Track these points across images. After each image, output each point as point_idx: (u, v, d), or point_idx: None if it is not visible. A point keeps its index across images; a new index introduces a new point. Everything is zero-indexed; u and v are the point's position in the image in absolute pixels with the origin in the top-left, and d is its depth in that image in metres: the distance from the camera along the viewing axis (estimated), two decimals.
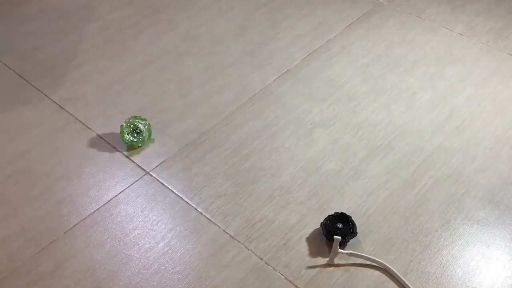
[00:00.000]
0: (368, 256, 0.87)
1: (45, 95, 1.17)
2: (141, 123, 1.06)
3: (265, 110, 1.15)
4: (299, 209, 0.96)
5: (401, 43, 1.34)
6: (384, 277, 0.86)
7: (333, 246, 0.85)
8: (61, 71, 1.23)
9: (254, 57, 1.28)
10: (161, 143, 1.08)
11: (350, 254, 0.88)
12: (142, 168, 1.03)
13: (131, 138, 1.05)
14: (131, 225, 0.93)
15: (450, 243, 0.91)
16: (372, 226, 0.93)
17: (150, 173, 1.02)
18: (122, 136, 1.05)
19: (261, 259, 0.88)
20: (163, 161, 1.04)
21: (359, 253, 0.88)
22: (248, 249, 0.90)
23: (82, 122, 1.12)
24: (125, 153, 1.06)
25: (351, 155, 1.05)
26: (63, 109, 1.14)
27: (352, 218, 0.92)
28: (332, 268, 0.87)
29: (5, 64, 1.25)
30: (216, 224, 0.93)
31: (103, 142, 1.08)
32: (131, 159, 1.04)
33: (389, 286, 0.85)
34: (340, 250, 0.87)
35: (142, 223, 0.93)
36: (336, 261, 0.88)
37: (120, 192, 0.98)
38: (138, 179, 1.01)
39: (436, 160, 1.05)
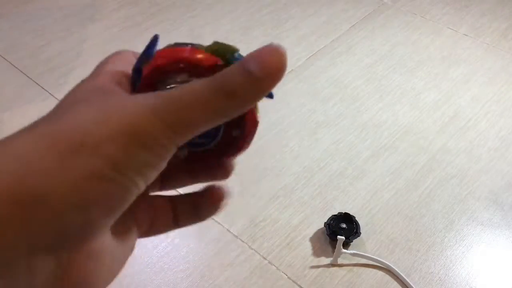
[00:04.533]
0: (371, 256, 0.87)
1: (50, 93, 1.17)
2: None
3: (269, 110, 1.15)
4: (303, 209, 0.96)
5: (405, 43, 1.34)
6: (388, 277, 0.86)
7: (336, 246, 0.85)
8: (66, 70, 1.24)
9: None
10: None
11: (354, 254, 0.88)
12: None
13: None
14: None
15: (454, 243, 0.91)
16: (375, 226, 0.93)
17: None
18: None
19: (265, 258, 0.88)
20: None
21: (363, 253, 0.88)
22: (252, 249, 0.90)
23: None
24: None
25: (355, 155, 1.05)
26: None
27: (356, 218, 0.92)
28: (335, 268, 0.87)
29: (10, 63, 1.26)
30: (219, 224, 0.93)
31: None
32: None
33: (393, 286, 0.85)
34: (344, 250, 0.87)
35: None
36: (340, 261, 0.88)
37: None
38: None
39: (440, 160, 1.05)
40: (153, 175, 0.23)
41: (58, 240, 0.21)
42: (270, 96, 0.25)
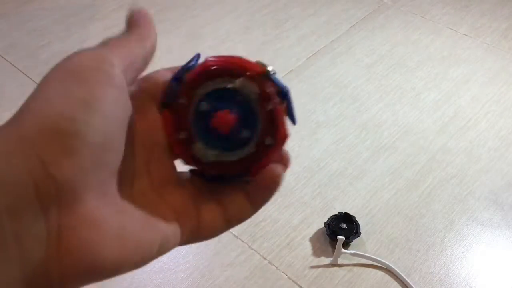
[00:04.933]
0: (371, 256, 0.87)
1: None
2: None
3: None
4: (303, 209, 0.96)
5: (405, 43, 1.34)
6: (388, 277, 0.86)
7: (336, 246, 0.85)
8: None
9: (258, 57, 1.27)
10: None
11: (354, 254, 0.88)
12: None
13: None
14: None
15: (454, 243, 0.91)
16: (375, 226, 0.93)
17: None
18: None
19: (265, 258, 0.88)
20: None
21: (363, 253, 0.88)
22: (252, 249, 0.90)
23: None
24: None
25: (355, 155, 1.05)
26: None
27: (356, 218, 0.92)
28: (335, 268, 0.87)
29: (10, 63, 1.26)
30: None
31: None
32: None
33: (393, 286, 0.85)
34: (344, 250, 0.87)
35: None
36: (340, 261, 0.88)
37: None
38: None
39: (440, 160, 1.05)
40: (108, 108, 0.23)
41: (34, 199, 0.20)
42: (293, 121, 0.29)
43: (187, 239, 0.27)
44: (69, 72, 0.22)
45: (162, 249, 0.26)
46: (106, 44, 0.25)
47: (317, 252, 0.89)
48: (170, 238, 0.26)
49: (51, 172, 0.20)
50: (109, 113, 0.22)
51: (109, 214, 0.23)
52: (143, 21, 0.27)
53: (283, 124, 0.28)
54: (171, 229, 0.26)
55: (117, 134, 0.23)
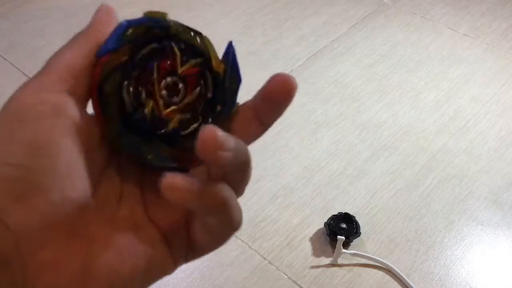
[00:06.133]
0: (371, 256, 0.87)
1: None
2: None
3: None
4: (303, 209, 0.96)
5: (405, 43, 1.34)
6: (388, 277, 0.86)
7: (336, 246, 0.85)
8: None
9: (259, 57, 1.28)
10: None
11: (354, 254, 0.88)
12: None
13: None
14: None
15: (454, 243, 0.91)
16: (375, 226, 0.93)
17: None
18: None
19: (265, 258, 0.88)
20: None
21: (363, 253, 0.88)
22: (252, 249, 0.90)
23: None
24: None
25: (355, 155, 1.05)
26: None
27: (356, 218, 0.92)
28: (335, 268, 0.87)
29: (10, 63, 1.26)
30: None
31: None
32: None
33: (393, 286, 0.85)
34: (344, 250, 0.87)
35: None
36: (340, 261, 0.88)
37: None
38: None
39: (440, 160, 1.05)
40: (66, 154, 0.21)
41: None
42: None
43: (186, 257, 0.26)
44: (10, 115, 0.21)
45: (151, 274, 0.24)
46: (46, 67, 0.23)
47: (317, 252, 0.89)
48: (157, 261, 0.24)
49: (6, 223, 0.19)
50: (59, 150, 0.21)
51: (74, 253, 0.21)
52: (98, 18, 0.25)
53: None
54: (157, 252, 0.24)
55: (75, 167, 0.22)
